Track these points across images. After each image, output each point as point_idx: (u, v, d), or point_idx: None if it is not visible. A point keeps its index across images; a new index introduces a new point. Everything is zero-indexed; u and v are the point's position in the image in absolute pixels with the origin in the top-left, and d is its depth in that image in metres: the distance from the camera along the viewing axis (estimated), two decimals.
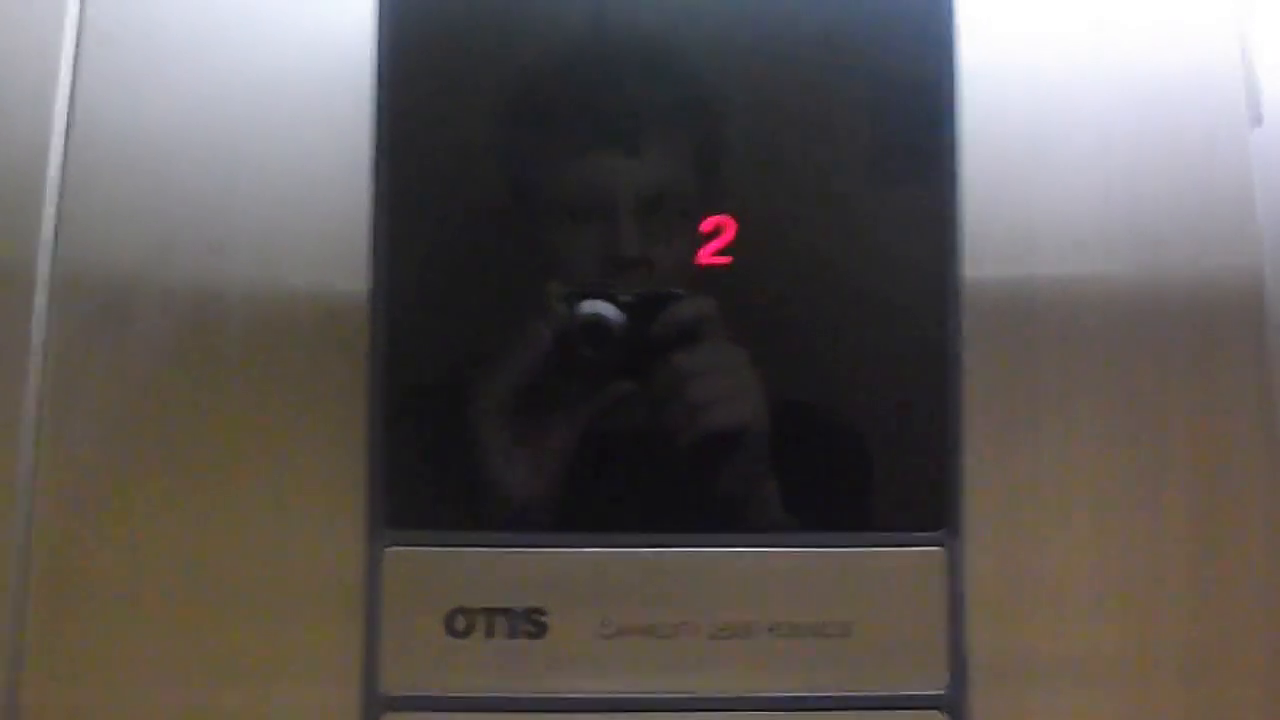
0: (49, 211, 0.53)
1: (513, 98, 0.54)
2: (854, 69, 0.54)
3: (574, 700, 0.52)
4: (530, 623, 0.52)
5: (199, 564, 0.52)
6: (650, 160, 0.54)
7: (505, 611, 0.52)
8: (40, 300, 0.52)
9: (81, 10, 0.54)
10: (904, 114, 0.54)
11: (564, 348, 0.53)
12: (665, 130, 0.55)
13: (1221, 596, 0.52)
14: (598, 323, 0.53)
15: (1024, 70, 0.54)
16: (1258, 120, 0.54)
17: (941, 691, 0.52)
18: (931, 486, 0.52)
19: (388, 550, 0.52)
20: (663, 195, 0.54)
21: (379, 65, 0.53)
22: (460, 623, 0.51)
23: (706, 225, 0.53)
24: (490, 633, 0.51)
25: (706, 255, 0.53)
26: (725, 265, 0.53)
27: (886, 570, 0.52)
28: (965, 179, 0.54)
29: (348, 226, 0.53)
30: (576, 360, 0.53)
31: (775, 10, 0.55)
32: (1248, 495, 0.53)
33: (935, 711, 0.52)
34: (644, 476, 0.53)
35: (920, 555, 0.52)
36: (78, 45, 0.54)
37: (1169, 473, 0.53)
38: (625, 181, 0.54)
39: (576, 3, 0.54)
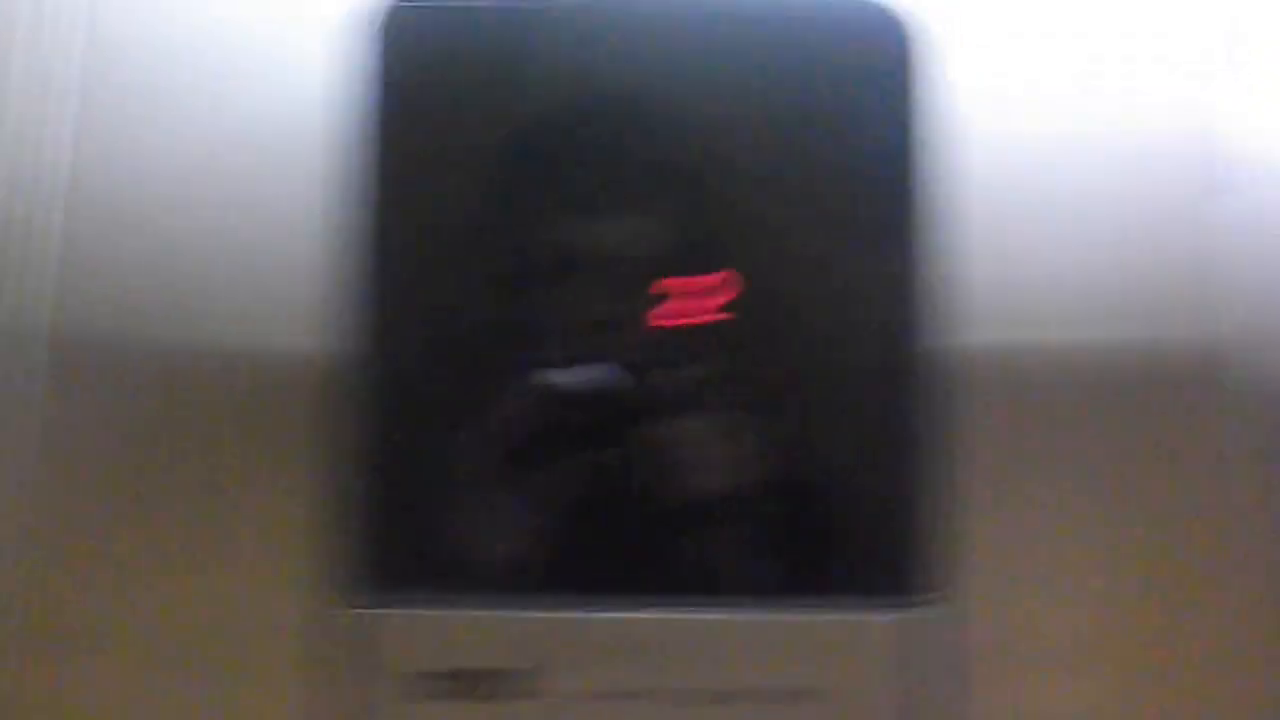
0: (44, 271, 0.54)
1: (494, 158, 0.55)
2: (833, 135, 0.54)
3: None
4: (500, 685, 0.51)
5: (168, 621, 0.51)
6: (632, 222, 0.55)
7: (472, 673, 0.51)
8: (25, 354, 0.53)
9: (81, 68, 0.55)
10: (884, 181, 0.54)
11: (546, 409, 0.52)
12: (647, 193, 0.55)
13: (1205, 657, 0.52)
14: (578, 385, 0.52)
15: (1001, 138, 0.55)
16: (1225, 189, 0.55)
17: None
18: (911, 554, 0.52)
19: (352, 612, 0.51)
20: (644, 257, 0.54)
21: (362, 124, 0.54)
22: (424, 686, 0.51)
23: (691, 287, 0.53)
24: (454, 696, 0.51)
25: (684, 318, 0.53)
26: (705, 327, 0.53)
27: (865, 637, 0.51)
28: (946, 246, 0.54)
29: (322, 288, 0.53)
30: (558, 421, 0.52)
31: (755, 76, 0.55)
32: (1232, 553, 0.52)
33: None
34: (623, 540, 0.52)
35: (898, 620, 0.52)
36: (76, 105, 0.55)
37: (1153, 533, 0.52)
38: (607, 243, 0.54)
39: (560, 65, 0.55)
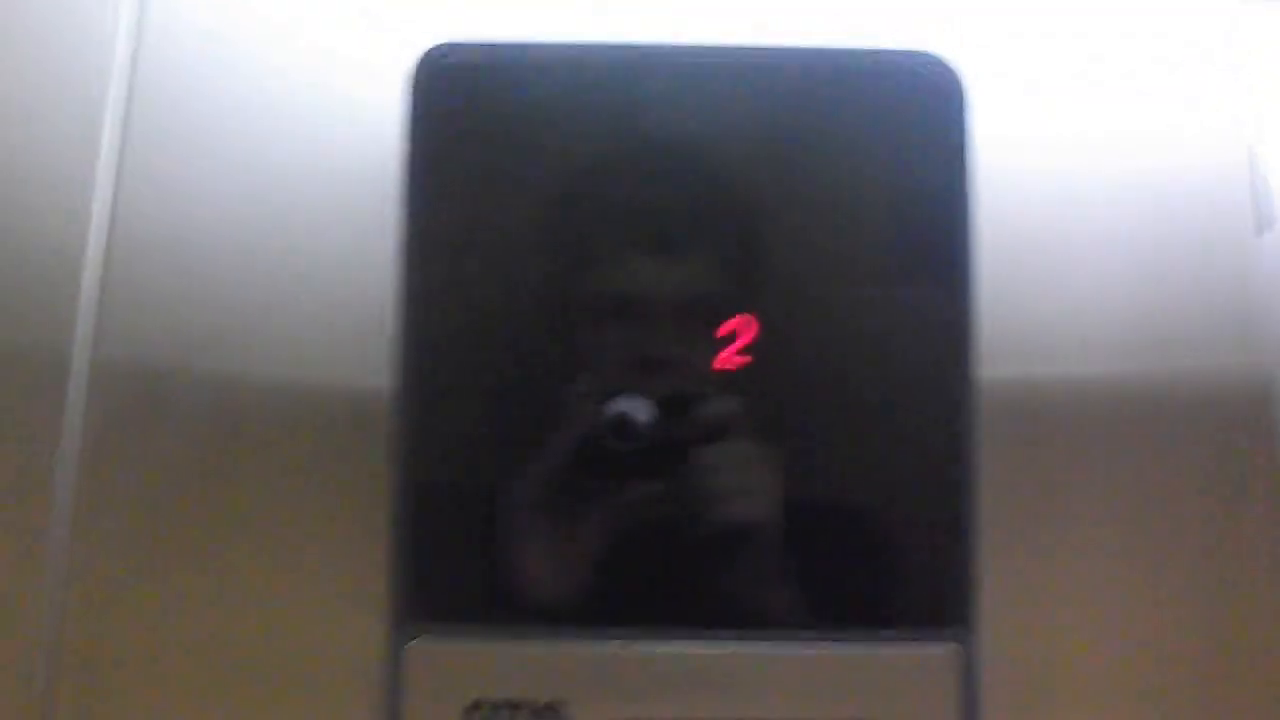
0: (87, 303, 0.54)
1: (542, 196, 0.55)
2: (873, 174, 0.55)
3: None
4: (550, 717, 0.52)
5: (221, 654, 0.53)
6: (679, 262, 0.55)
7: (524, 705, 0.52)
8: (77, 389, 0.54)
9: (127, 108, 0.56)
10: (921, 219, 0.55)
11: (591, 444, 0.54)
12: (694, 232, 0.56)
13: (1235, 692, 0.53)
14: (626, 420, 0.53)
15: (1036, 176, 0.56)
16: (1267, 225, 0.55)
17: None
18: (947, 585, 0.53)
19: (410, 644, 0.53)
20: (690, 296, 0.55)
21: (408, 163, 0.55)
22: (479, 717, 0.52)
23: (729, 327, 0.54)
24: None
25: (729, 356, 0.54)
26: (748, 365, 0.54)
27: (903, 668, 0.53)
28: (980, 282, 0.55)
29: (374, 322, 0.54)
30: (603, 455, 0.53)
31: (799, 117, 0.56)
32: (1260, 591, 0.53)
33: None
34: (666, 572, 0.54)
35: (936, 653, 0.53)
36: (122, 141, 0.56)
37: (1182, 569, 0.53)
38: (654, 282, 0.55)
39: (608, 104, 0.56)
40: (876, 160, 0.55)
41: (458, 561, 0.54)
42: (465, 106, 0.55)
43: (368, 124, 0.55)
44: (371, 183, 0.55)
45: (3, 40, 0.57)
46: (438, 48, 0.55)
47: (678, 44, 0.56)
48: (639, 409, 0.53)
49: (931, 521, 0.54)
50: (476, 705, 0.52)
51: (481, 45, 0.55)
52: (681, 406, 0.54)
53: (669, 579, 0.54)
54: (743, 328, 0.54)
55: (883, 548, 0.54)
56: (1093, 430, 0.54)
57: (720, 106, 0.55)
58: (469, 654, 0.53)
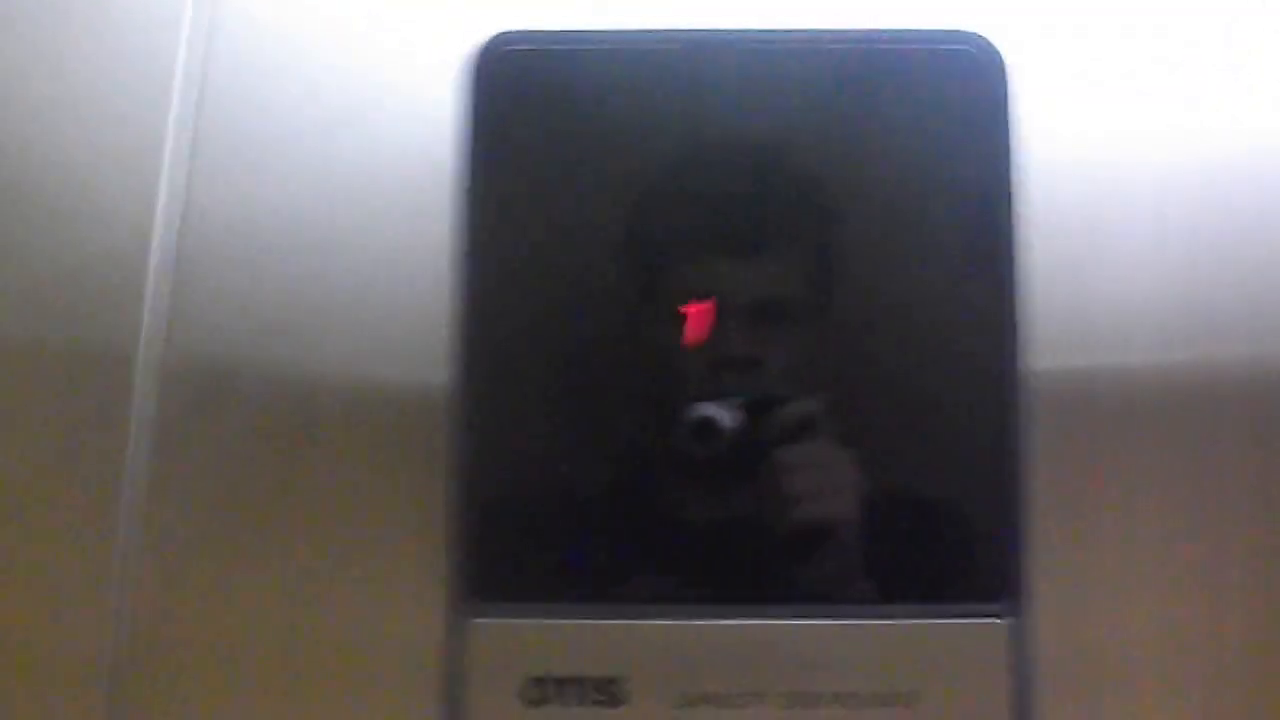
0: (152, 300, 0.56)
1: (604, 189, 0.56)
2: (918, 167, 0.56)
3: None
4: (610, 691, 0.53)
5: (289, 638, 0.54)
6: (752, 261, 0.56)
7: (583, 681, 0.53)
8: (143, 384, 0.55)
9: (195, 107, 0.57)
10: (969, 211, 0.56)
11: (674, 448, 0.55)
12: (766, 231, 0.56)
13: None
14: (710, 424, 0.54)
15: (1080, 164, 0.57)
16: None
17: None
18: (997, 562, 0.54)
19: (470, 622, 0.54)
20: (764, 296, 0.56)
21: (469, 155, 0.56)
22: (538, 692, 0.53)
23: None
24: (567, 702, 0.53)
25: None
26: (818, 360, 0.55)
27: (952, 642, 0.54)
28: (1027, 272, 0.56)
29: (438, 316, 0.55)
30: (685, 459, 0.55)
31: (855, 102, 0.56)
32: None
33: None
34: (726, 553, 0.55)
35: (984, 628, 0.54)
36: (193, 142, 0.57)
37: (1233, 552, 0.54)
38: (729, 283, 0.55)
39: (670, 93, 0.56)
40: (919, 152, 0.56)
41: (517, 540, 0.55)
42: (527, 96, 0.56)
43: (430, 119, 0.56)
44: (434, 177, 0.56)
45: (71, 37, 0.58)
46: (499, 36, 0.56)
47: (733, 30, 0.57)
48: (723, 415, 0.54)
49: (982, 500, 0.55)
50: (537, 681, 0.53)
51: (542, 33, 0.56)
52: (763, 408, 0.55)
53: (728, 560, 0.55)
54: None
55: (934, 525, 0.55)
56: (1143, 417, 0.55)
57: (781, 93, 0.56)
58: (529, 631, 0.54)
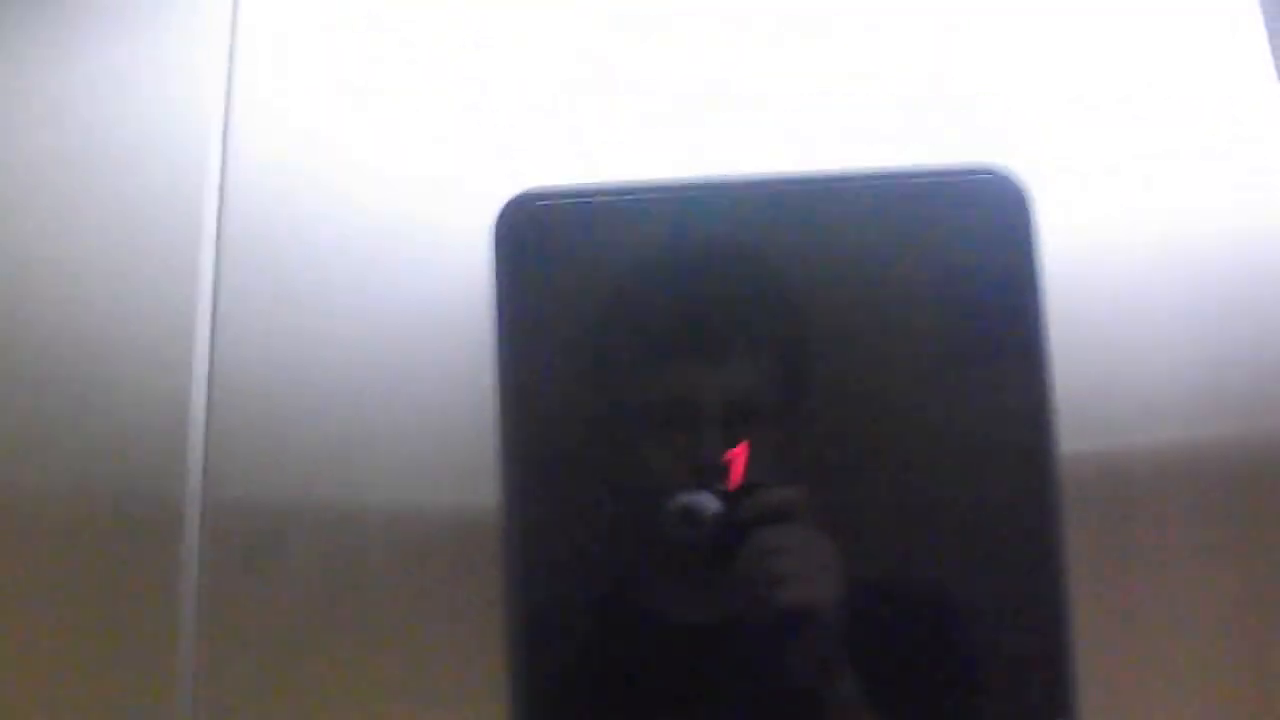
0: (196, 453, 0.58)
1: (618, 321, 0.60)
2: (941, 262, 0.60)
3: None
4: None
5: None
6: (737, 368, 0.60)
7: None
8: (192, 534, 0.58)
9: (216, 264, 0.61)
10: (993, 304, 0.59)
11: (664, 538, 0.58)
12: (752, 339, 0.60)
13: None
14: (691, 511, 0.58)
15: (1104, 250, 0.60)
16: None
17: None
18: (1047, 675, 0.55)
19: None
20: (750, 401, 0.59)
21: (498, 303, 0.60)
22: None
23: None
24: None
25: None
26: (822, 462, 0.58)
27: None
28: (1055, 359, 0.58)
29: (474, 446, 0.58)
30: (676, 546, 0.58)
31: (857, 217, 0.60)
32: None
33: None
34: (757, 671, 0.57)
35: None
36: (214, 296, 0.61)
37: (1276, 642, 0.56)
38: (710, 391, 0.59)
39: (682, 237, 0.61)
40: (942, 246, 0.60)
41: (572, 673, 0.57)
42: (546, 248, 0.61)
43: (457, 262, 0.61)
44: (462, 311, 0.60)
45: (99, 192, 0.61)
46: (518, 197, 0.61)
47: (751, 177, 0.61)
48: (706, 500, 0.58)
49: (1023, 607, 0.56)
50: None
51: (557, 192, 0.61)
52: (745, 498, 0.58)
53: (763, 681, 0.57)
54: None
55: (981, 640, 0.57)
56: (1177, 498, 0.57)
57: (798, 236, 0.60)
58: None
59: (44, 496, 0.58)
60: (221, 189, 0.62)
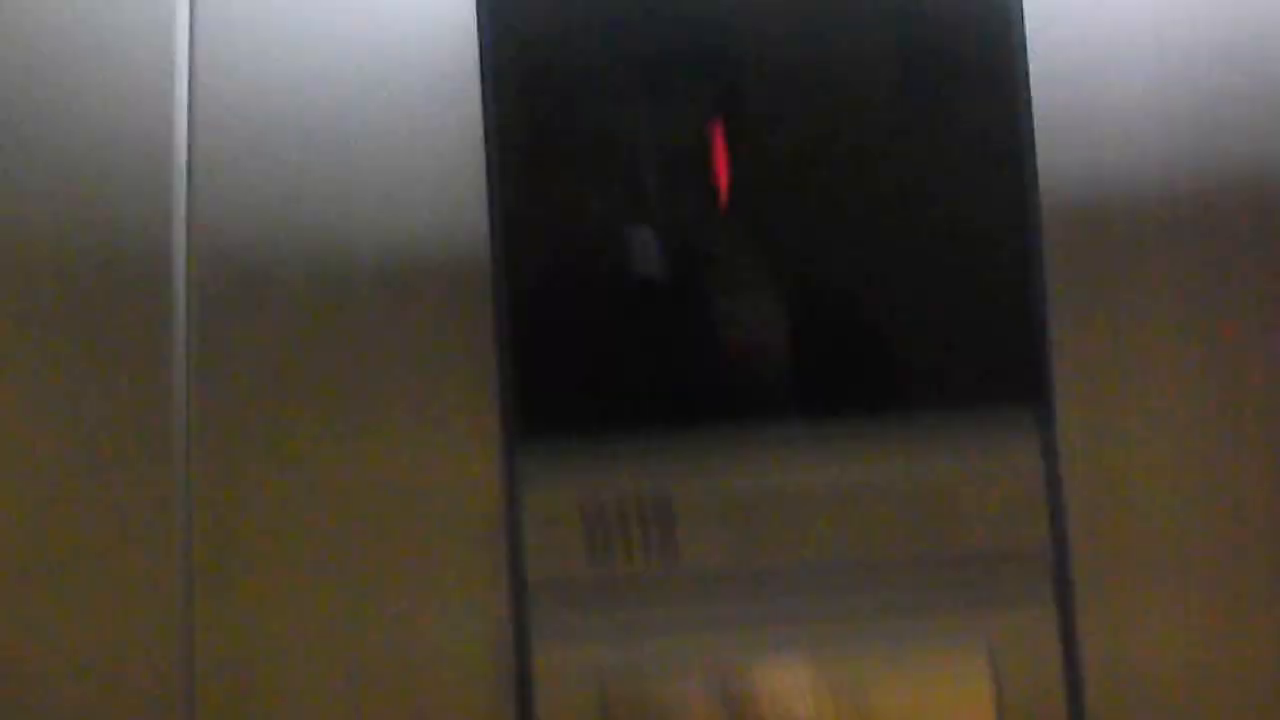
0: (180, 193, 0.58)
1: (600, 48, 0.60)
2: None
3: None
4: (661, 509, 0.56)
5: (350, 490, 0.56)
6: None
7: (636, 499, 0.56)
8: (180, 274, 0.57)
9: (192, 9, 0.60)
10: (977, 34, 0.59)
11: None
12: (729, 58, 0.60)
13: None
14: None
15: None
16: None
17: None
18: (1024, 362, 0.57)
19: (522, 450, 0.57)
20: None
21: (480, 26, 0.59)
22: (595, 514, 0.56)
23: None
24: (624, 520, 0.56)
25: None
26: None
27: (986, 442, 0.57)
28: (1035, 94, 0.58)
29: (462, 167, 0.58)
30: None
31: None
32: None
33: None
34: (756, 362, 0.58)
35: (1017, 426, 0.57)
36: (192, 37, 0.59)
37: (1243, 348, 0.56)
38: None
39: None
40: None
41: (558, 374, 0.58)
42: None
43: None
44: (448, 34, 0.59)
45: None
46: None
47: None
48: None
49: (1005, 306, 0.58)
50: (590, 504, 0.56)
51: None
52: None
53: (760, 368, 0.58)
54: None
55: (966, 332, 0.58)
56: (1154, 231, 0.57)
57: None
58: (578, 455, 0.57)
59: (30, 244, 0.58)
60: None
